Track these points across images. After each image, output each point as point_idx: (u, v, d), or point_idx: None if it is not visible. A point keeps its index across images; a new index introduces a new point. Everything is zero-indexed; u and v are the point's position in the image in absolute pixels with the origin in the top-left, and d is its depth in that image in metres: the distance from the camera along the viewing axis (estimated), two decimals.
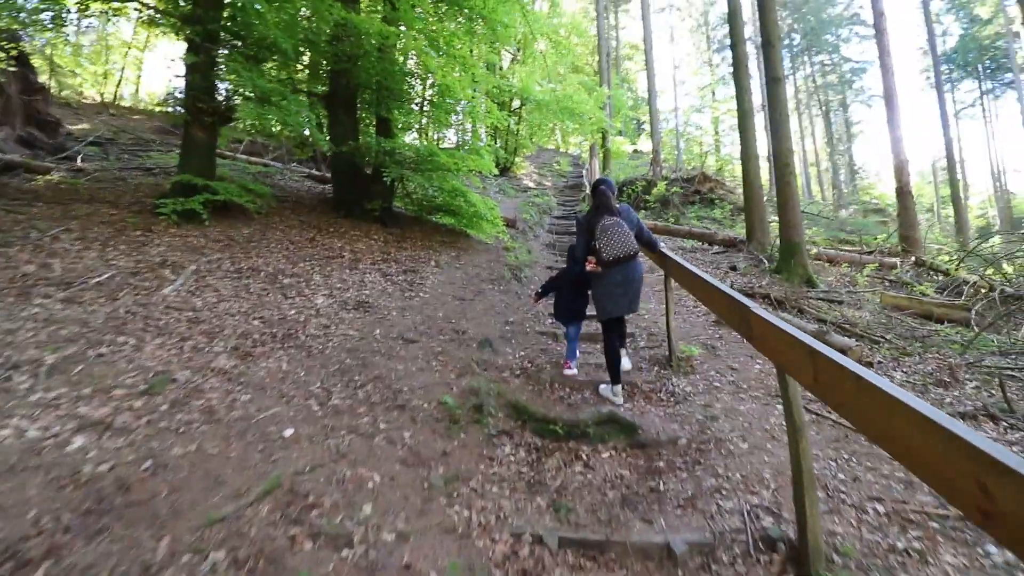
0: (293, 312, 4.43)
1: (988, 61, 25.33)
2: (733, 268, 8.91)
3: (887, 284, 9.06)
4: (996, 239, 12.86)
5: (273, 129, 7.56)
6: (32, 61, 11.15)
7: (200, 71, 6.36)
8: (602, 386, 3.97)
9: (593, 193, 3.92)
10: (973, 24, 25.60)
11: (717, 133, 32.42)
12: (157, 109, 16.73)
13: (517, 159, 19.00)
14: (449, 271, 6.75)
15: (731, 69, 33.84)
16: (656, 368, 4.45)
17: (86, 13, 7.73)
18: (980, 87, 26.82)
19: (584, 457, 3.26)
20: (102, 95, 20.36)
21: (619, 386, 3.84)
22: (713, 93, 32.25)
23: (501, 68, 18.83)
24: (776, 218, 12.35)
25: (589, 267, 3.78)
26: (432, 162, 7.47)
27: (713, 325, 5.65)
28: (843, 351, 4.91)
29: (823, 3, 30.07)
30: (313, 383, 3.28)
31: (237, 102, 6.37)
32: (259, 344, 3.68)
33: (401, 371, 3.67)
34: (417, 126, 8.67)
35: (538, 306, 6.36)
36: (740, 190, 17.82)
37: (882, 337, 5.83)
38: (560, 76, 18.28)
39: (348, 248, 6.55)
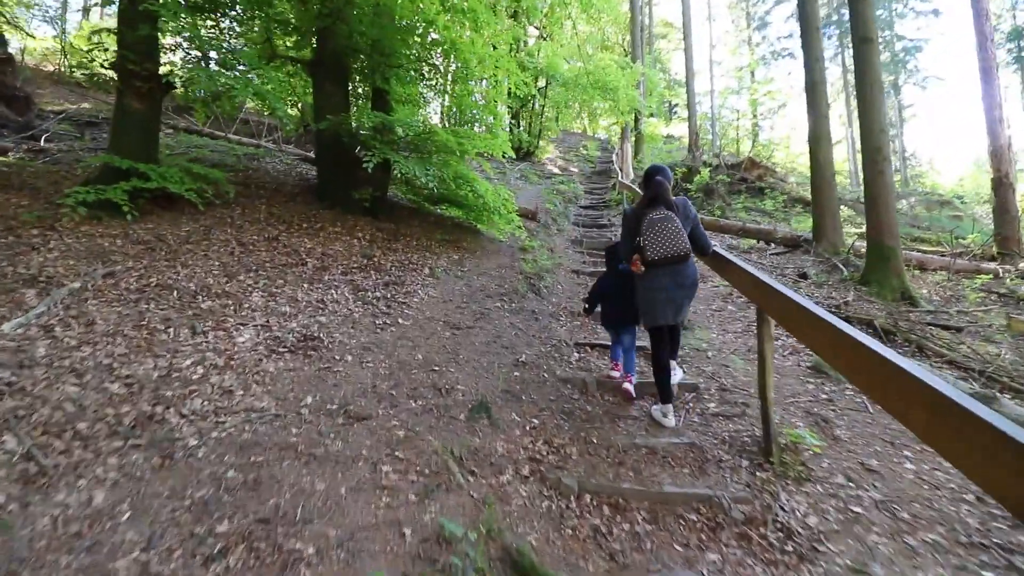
0: (190, 362, 2.85)
1: None
2: (803, 276, 7.03)
3: (997, 299, 7.04)
4: None
5: (231, 99, 5.98)
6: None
7: (129, 23, 4.78)
8: (653, 408, 3.26)
9: (647, 183, 3.18)
10: None
11: (755, 117, 29.82)
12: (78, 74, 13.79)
13: (541, 143, 17.13)
14: (447, 282, 5.10)
15: (772, 46, 30.73)
16: (746, 464, 2.73)
17: None
18: None
19: None
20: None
21: (670, 406, 3.14)
22: (752, 74, 29.52)
23: (526, 44, 16.88)
24: (845, 211, 10.32)
25: (633, 268, 3.09)
26: (431, 142, 5.78)
27: (810, 375, 3.88)
28: None
29: None
30: (126, 550, 1.68)
31: (175, 63, 4.76)
32: (81, 441, 2.11)
33: (318, 497, 2.05)
34: (425, 99, 6.94)
35: (561, 331, 4.70)
36: (792, 178, 15.63)
37: None
38: (589, 56, 16.26)
39: (319, 251, 4.95)
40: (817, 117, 8.51)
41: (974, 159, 34.58)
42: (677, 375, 3.26)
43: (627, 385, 3.44)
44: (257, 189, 6.71)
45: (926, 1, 27.12)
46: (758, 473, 2.64)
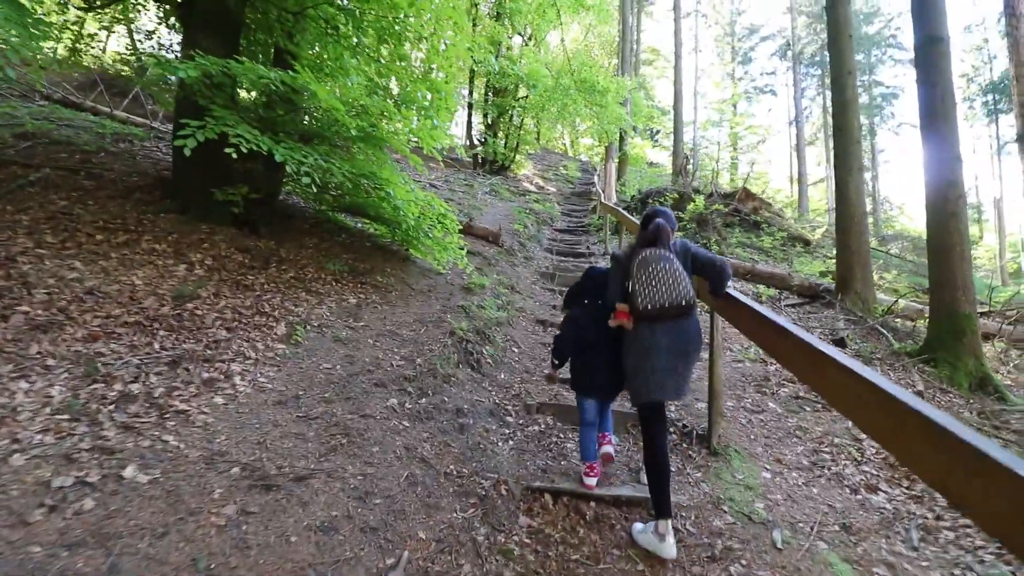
0: None
1: None
2: (839, 342, 5.04)
3: None
4: None
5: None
6: None
7: None
8: (636, 526, 2.09)
9: (644, 225, 2.21)
10: None
11: (735, 150, 28.77)
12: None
13: (518, 157, 15.10)
14: (311, 351, 2.87)
15: (754, 82, 29.69)
16: None
17: None
18: None
19: None
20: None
21: (668, 522, 1.93)
22: (734, 107, 28.54)
23: (509, 49, 14.93)
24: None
25: (614, 322, 2.13)
26: (325, 117, 3.58)
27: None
28: None
29: (860, 20, 26.21)
30: None
31: None
32: None
33: None
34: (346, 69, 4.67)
35: (503, 454, 2.54)
36: (789, 212, 13.96)
37: None
38: (571, 70, 14.44)
39: (81, 287, 2.67)
40: (847, 144, 6.66)
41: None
42: None
43: (607, 448, 2.35)
44: (87, 179, 4.40)
45: (903, 50, 26.57)
46: None
